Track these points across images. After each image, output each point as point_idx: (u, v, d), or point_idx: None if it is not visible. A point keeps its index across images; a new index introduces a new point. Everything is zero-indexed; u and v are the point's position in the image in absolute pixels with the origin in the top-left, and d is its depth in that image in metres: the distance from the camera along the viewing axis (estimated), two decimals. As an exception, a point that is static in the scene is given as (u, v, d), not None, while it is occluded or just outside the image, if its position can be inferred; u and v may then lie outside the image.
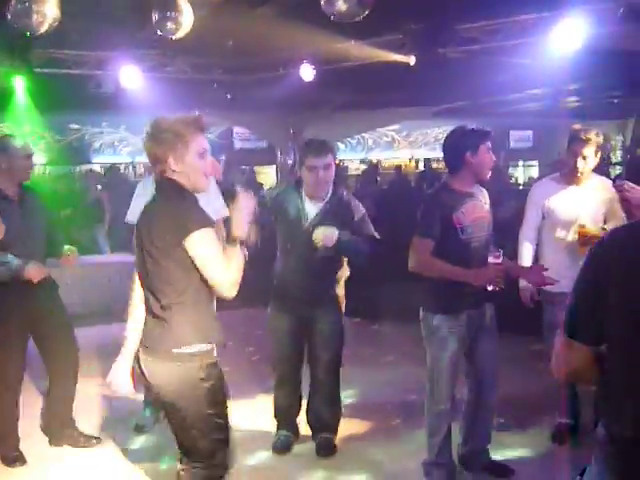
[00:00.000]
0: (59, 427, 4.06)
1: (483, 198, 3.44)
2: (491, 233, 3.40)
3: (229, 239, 2.49)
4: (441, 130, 13.64)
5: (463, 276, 3.20)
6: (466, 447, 3.60)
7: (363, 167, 12.93)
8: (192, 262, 2.39)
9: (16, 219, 3.67)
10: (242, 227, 2.48)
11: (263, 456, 3.97)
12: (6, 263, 3.56)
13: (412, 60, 6.64)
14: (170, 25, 5.49)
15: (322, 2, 5.18)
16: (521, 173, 14.90)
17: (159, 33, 5.64)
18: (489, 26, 6.56)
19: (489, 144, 3.30)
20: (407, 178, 11.32)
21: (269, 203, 3.82)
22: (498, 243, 3.49)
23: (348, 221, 3.68)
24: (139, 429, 4.29)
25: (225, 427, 2.54)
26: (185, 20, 5.47)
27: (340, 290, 3.94)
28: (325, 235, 3.54)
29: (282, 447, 3.98)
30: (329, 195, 3.73)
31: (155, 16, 5.49)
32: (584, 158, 3.68)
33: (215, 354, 2.51)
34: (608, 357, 1.63)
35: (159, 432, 4.13)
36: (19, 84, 7.25)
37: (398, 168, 11.45)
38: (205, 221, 2.42)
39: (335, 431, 4.03)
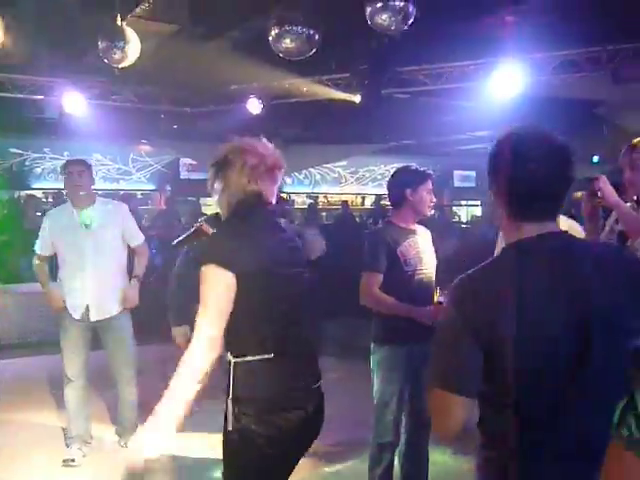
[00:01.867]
0: None
1: (425, 236, 3.53)
2: (433, 270, 3.46)
3: None
4: (388, 167, 13.87)
5: (408, 312, 3.26)
6: None
7: (309, 201, 13.00)
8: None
9: None
10: None
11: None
12: None
13: (357, 98, 6.79)
14: (117, 54, 5.46)
15: (270, 39, 5.26)
16: (464, 212, 15.24)
17: (105, 61, 5.59)
18: (432, 69, 6.78)
19: (429, 185, 3.41)
20: (352, 214, 11.43)
21: None
22: (440, 281, 3.54)
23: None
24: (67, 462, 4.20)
25: None
26: (132, 50, 5.45)
27: None
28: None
29: None
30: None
31: (101, 44, 5.46)
32: None
33: None
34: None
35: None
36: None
37: (344, 203, 11.56)
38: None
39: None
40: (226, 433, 2.10)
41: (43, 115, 8.26)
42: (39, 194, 12.30)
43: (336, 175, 14.53)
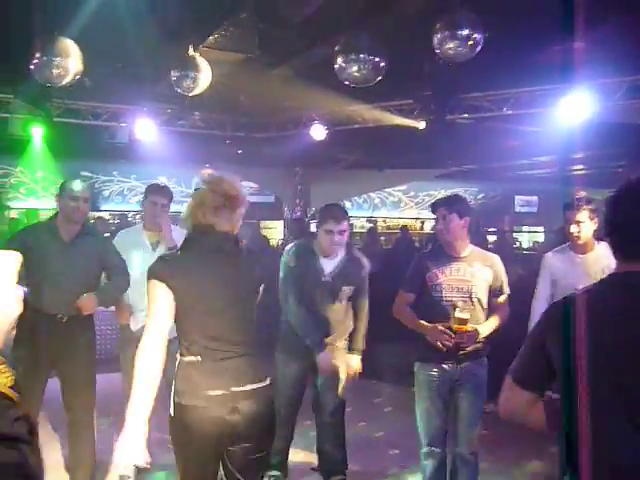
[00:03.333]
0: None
1: (476, 264, 3.58)
2: (469, 298, 3.55)
3: None
4: (448, 192, 13.79)
5: (418, 327, 3.57)
6: None
7: (368, 225, 13.02)
8: None
9: (59, 256, 3.80)
10: None
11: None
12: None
13: (422, 125, 6.80)
14: (188, 83, 5.64)
15: (336, 67, 5.33)
16: (525, 238, 14.98)
17: (177, 90, 5.79)
18: (497, 95, 6.73)
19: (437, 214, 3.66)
20: (412, 238, 11.38)
21: (284, 258, 4.09)
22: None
23: (359, 276, 4.07)
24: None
25: None
26: (203, 79, 5.63)
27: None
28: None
29: None
30: (342, 254, 4.04)
31: (174, 73, 5.65)
32: (577, 224, 3.80)
33: None
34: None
35: None
36: (37, 132, 7.40)
37: (404, 228, 11.52)
38: None
39: (344, 471, 4.23)
40: (169, 418, 2.50)
41: (114, 140, 8.54)
42: (106, 215, 12.74)
43: (395, 199, 14.53)
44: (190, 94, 5.73)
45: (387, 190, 14.09)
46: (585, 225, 3.79)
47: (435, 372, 3.59)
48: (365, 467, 4.55)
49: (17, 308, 0.97)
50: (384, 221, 14.49)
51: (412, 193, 14.48)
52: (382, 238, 13.24)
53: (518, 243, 13.70)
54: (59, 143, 8.23)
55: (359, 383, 4.33)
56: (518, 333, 4.61)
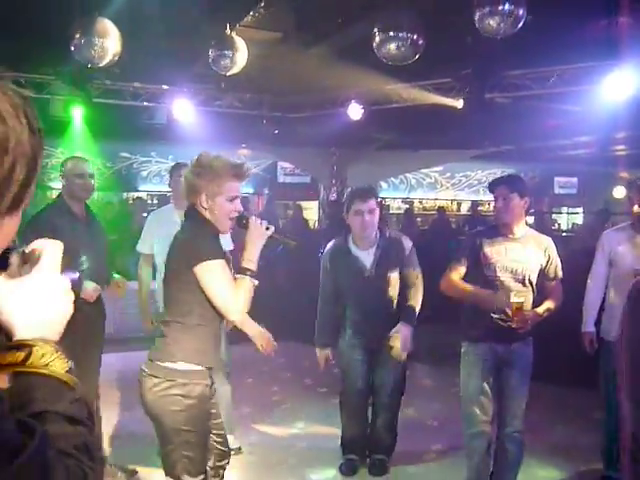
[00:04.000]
0: None
1: (530, 246, 3.50)
2: (522, 280, 3.51)
3: (240, 269, 2.61)
4: (484, 173, 13.62)
5: (475, 295, 3.51)
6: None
7: (405, 206, 12.94)
8: (200, 288, 2.56)
9: (83, 236, 3.79)
10: (253, 259, 2.61)
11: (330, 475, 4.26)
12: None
13: (460, 104, 6.70)
14: (226, 62, 5.65)
15: (374, 45, 5.27)
16: (565, 220, 14.71)
17: (214, 69, 5.80)
18: (538, 73, 6.58)
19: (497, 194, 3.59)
20: (448, 220, 11.28)
21: (323, 259, 4.19)
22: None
23: (402, 257, 4.01)
24: None
25: (197, 445, 2.65)
26: (240, 58, 5.63)
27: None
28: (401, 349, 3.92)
29: (348, 470, 4.28)
30: (378, 239, 4.00)
31: (211, 53, 5.67)
32: None
33: (206, 377, 2.68)
34: None
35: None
36: (77, 113, 7.50)
37: (440, 209, 11.42)
38: (218, 253, 2.60)
39: (390, 453, 4.28)
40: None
41: (152, 121, 8.59)
42: (145, 196, 12.88)
43: (432, 180, 14.39)
44: (227, 73, 5.75)
45: (423, 171, 13.95)
46: None
47: (485, 352, 3.56)
48: (407, 448, 4.56)
49: (70, 300, 1.01)
50: (420, 202, 14.38)
51: (448, 174, 14.32)
52: (418, 219, 13.15)
53: (557, 225, 13.47)
54: (98, 124, 8.32)
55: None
56: (561, 313, 4.60)
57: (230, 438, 4.54)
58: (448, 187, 14.55)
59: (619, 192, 12.59)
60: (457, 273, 3.60)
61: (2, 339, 0.95)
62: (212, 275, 2.55)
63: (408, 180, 14.22)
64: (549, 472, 4.33)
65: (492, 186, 3.68)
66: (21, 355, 0.92)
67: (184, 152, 11.86)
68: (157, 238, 4.32)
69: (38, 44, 6.07)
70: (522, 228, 3.59)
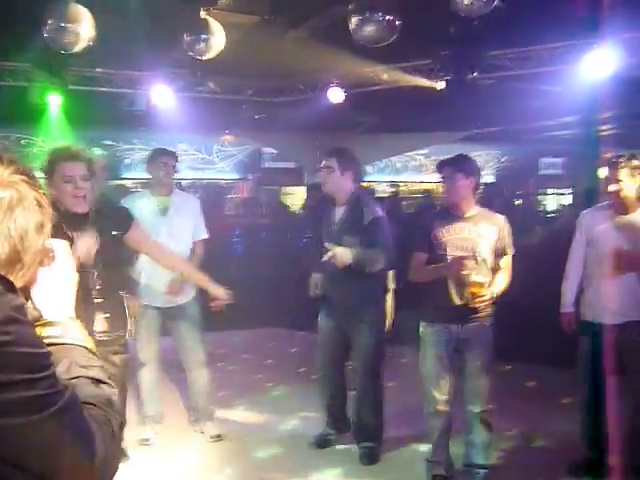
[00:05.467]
0: None
1: (481, 224, 3.60)
2: (473, 257, 3.56)
3: None
4: (471, 155, 13.58)
5: (438, 271, 3.59)
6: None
7: (391, 190, 12.90)
8: None
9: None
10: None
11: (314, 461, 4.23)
12: None
13: (441, 85, 6.65)
14: (201, 47, 5.57)
15: (350, 27, 5.21)
16: (551, 201, 14.71)
17: (190, 54, 5.71)
18: (519, 53, 6.54)
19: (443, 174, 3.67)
20: (434, 203, 11.24)
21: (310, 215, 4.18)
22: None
23: (359, 228, 3.96)
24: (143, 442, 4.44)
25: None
26: (216, 42, 5.55)
27: (387, 302, 4.28)
28: (339, 256, 3.81)
29: (319, 442, 4.35)
30: (351, 200, 4.06)
31: (186, 37, 5.58)
32: (617, 182, 3.65)
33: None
34: None
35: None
36: (54, 100, 7.39)
37: (426, 192, 11.39)
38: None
39: (378, 440, 4.22)
40: None
41: (133, 107, 8.49)
42: (129, 183, 12.77)
43: (417, 163, 14.34)
44: (203, 58, 5.66)
45: (409, 154, 13.90)
46: (626, 184, 3.63)
47: (440, 331, 3.63)
48: (400, 432, 4.52)
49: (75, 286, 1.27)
50: (406, 186, 14.34)
51: (434, 157, 14.28)
52: (404, 203, 13.11)
53: (543, 206, 13.48)
54: (79, 111, 8.22)
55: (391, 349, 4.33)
56: (536, 294, 4.59)
57: (208, 425, 4.55)
58: (434, 170, 14.47)
59: (604, 172, 12.58)
60: (419, 259, 3.69)
61: (36, 313, 1.17)
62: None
63: (393, 164, 14.17)
64: (525, 451, 4.32)
65: (439, 167, 3.74)
66: (55, 330, 1.16)
67: (167, 139, 11.83)
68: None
69: (12, 31, 5.96)
70: (472, 207, 3.65)
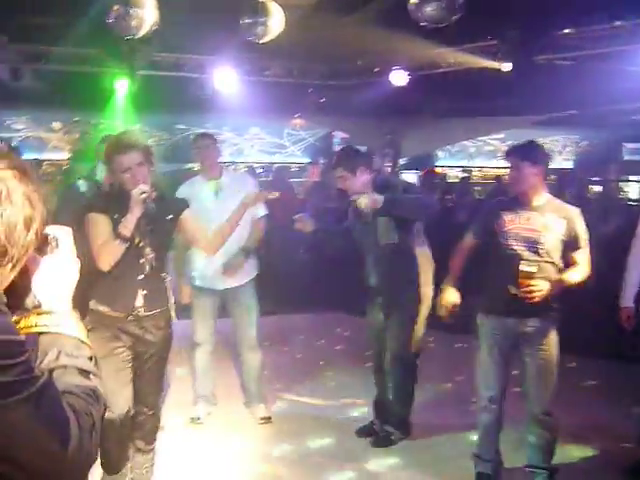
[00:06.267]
0: None
1: (549, 215, 3.39)
2: (536, 250, 3.38)
3: (115, 234, 3.01)
4: (548, 140, 13.05)
5: (448, 277, 3.65)
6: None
7: (461, 175, 12.58)
8: None
9: None
10: (126, 224, 3.00)
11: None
12: None
13: (507, 67, 6.38)
14: (259, 30, 5.56)
15: (410, 8, 5.09)
16: (635, 188, 13.94)
17: (248, 38, 5.72)
18: (592, 31, 6.18)
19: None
20: (506, 189, 10.89)
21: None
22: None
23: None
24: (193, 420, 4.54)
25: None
26: (274, 25, 5.53)
27: (425, 288, 4.23)
28: (366, 200, 3.80)
29: (360, 433, 4.35)
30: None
31: (244, 20, 5.59)
32: None
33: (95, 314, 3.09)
34: None
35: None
36: (123, 85, 7.60)
37: (498, 178, 11.03)
38: (98, 209, 3.12)
39: (400, 427, 4.21)
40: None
41: (204, 92, 8.64)
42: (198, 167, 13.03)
43: (492, 148, 13.91)
44: (261, 41, 5.65)
45: (483, 139, 13.52)
46: None
47: (495, 326, 3.49)
48: (429, 421, 4.48)
49: (77, 273, 1.28)
50: (480, 171, 13.95)
51: (509, 142, 13.81)
52: (477, 188, 12.77)
53: (625, 194, 12.77)
54: (150, 96, 8.43)
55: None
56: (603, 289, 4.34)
57: (260, 407, 4.60)
58: (508, 155, 14.03)
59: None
60: (466, 243, 3.64)
61: (35, 302, 1.20)
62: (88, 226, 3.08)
63: (466, 148, 13.82)
64: (584, 451, 4.14)
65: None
66: (49, 319, 1.17)
67: (238, 123, 12.02)
68: (193, 209, 4.35)
69: (83, 17, 6.16)
70: (542, 197, 3.47)
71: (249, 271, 4.45)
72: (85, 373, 1.15)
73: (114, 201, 3.16)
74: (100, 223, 3.10)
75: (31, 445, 1.00)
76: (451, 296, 3.60)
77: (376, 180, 4.08)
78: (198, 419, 4.52)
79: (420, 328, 4.37)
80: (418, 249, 4.23)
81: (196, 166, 12.19)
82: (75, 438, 1.04)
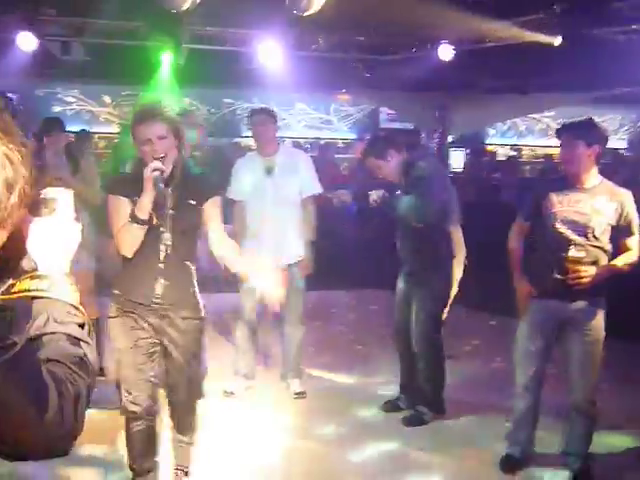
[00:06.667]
0: None
1: (600, 198, 3.26)
2: (584, 233, 3.27)
3: (130, 216, 2.80)
4: (602, 119, 12.58)
5: (514, 276, 3.48)
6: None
7: (510, 154, 12.30)
8: None
9: None
10: (141, 206, 2.78)
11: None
12: None
13: (557, 41, 6.16)
14: (303, 3, 5.51)
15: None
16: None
17: (293, 11, 5.67)
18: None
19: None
20: (557, 168, 10.59)
21: None
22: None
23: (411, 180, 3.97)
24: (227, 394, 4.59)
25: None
26: (317, -3, 5.46)
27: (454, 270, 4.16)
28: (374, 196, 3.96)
29: (386, 407, 4.39)
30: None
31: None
32: None
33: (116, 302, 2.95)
34: None
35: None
36: (168, 59, 7.65)
37: (548, 157, 10.74)
38: (117, 190, 2.94)
39: (431, 406, 4.17)
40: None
41: (252, 66, 8.63)
42: (251, 142, 13.08)
43: (543, 126, 13.53)
44: (304, 14, 5.60)
45: (534, 116, 13.14)
46: None
47: (539, 310, 3.40)
48: (464, 400, 4.44)
49: (78, 238, 1.24)
50: (531, 149, 13.59)
51: (561, 120, 13.39)
52: (527, 167, 12.48)
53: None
54: (199, 70, 8.47)
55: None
56: None
57: (296, 382, 4.63)
58: (561, 133, 13.62)
59: None
60: (519, 228, 3.53)
61: (25, 264, 1.16)
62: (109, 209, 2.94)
63: (517, 126, 13.47)
64: (622, 441, 4.03)
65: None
66: (42, 283, 1.13)
67: (284, 98, 11.97)
68: (246, 185, 4.37)
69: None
70: (593, 178, 3.33)
71: (298, 250, 4.45)
72: (74, 340, 1.11)
73: (134, 180, 2.88)
74: (119, 205, 2.88)
75: (4, 412, 0.98)
76: (525, 289, 3.44)
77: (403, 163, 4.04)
78: (232, 393, 4.58)
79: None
80: (452, 228, 4.15)
81: (244, 140, 12.37)
82: (54, 406, 1.01)
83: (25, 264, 1.16)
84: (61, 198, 1.22)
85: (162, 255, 2.86)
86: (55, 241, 1.19)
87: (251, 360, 4.67)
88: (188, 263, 2.97)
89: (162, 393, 3.11)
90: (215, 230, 3.00)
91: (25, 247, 1.16)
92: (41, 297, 1.12)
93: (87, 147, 7.29)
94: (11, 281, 1.13)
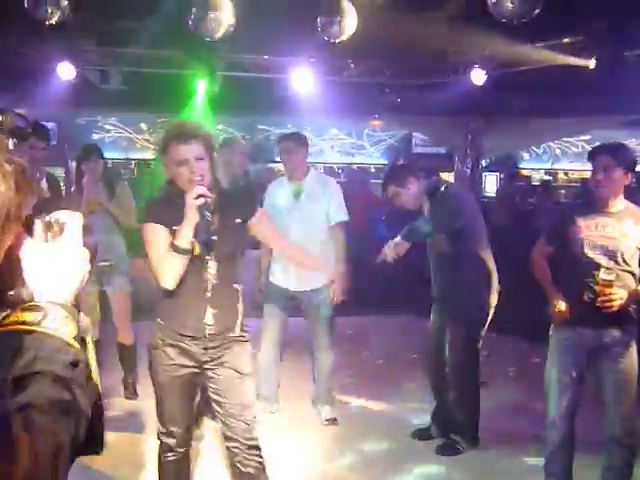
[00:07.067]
0: None
1: (627, 221, 3.22)
2: (614, 258, 3.20)
3: (171, 246, 2.63)
4: (638, 141, 12.40)
5: (546, 290, 3.39)
6: None
7: (544, 178, 12.16)
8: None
9: None
10: (183, 237, 2.61)
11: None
12: None
13: (592, 64, 6.10)
14: (335, 29, 5.57)
15: (489, 4, 4.96)
16: None
17: (324, 37, 5.74)
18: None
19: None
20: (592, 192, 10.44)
21: None
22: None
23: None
24: None
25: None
26: (349, 24, 5.53)
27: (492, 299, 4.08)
28: (390, 249, 3.81)
29: (414, 436, 4.34)
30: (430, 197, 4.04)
31: (320, 20, 5.61)
32: None
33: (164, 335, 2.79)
34: None
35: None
36: (203, 86, 7.78)
37: (584, 181, 10.58)
38: (154, 217, 2.74)
39: (464, 434, 4.08)
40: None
41: (286, 93, 8.73)
42: (279, 168, 13.19)
43: (579, 150, 13.36)
44: (337, 40, 5.66)
45: (569, 140, 12.99)
46: None
47: (567, 337, 3.31)
48: (499, 430, 4.35)
49: (87, 268, 1.12)
50: (565, 174, 13.42)
51: (597, 143, 13.19)
52: (562, 191, 12.32)
53: None
54: (234, 97, 8.58)
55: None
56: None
57: (327, 408, 4.58)
58: (598, 157, 13.42)
59: None
60: (541, 251, 3.49)
61: (25, 293, 1.05)
62: (146, 235, 2.76)
63: (552, 150, 13.32)
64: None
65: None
66: (37, 316, 1.01)
67: (318, 124, 12.05)
68: (274, 208, 4.40)
69: (164, 19, 6.34)
70: (619, 202, 3.27)
71: (324, 275, 4.42)
72: (62, 381, 0.97)
73: (170, 206, 2.72)
74: (157, 234, 2.70)
75: None
76: (562, 306, 3.30)
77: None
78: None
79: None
80: (483, 253, 4.08)
81: (277, 166, 12.47)
82: (25, 459, 0.90)
83: (24, 293, 1.05)
84: (70, 222, 1.10)
85: (209, 285, 2.74)
86: (56, 268, 1.07)
87: (273, 387, 4.64)
88: (235, 285, 2.86)
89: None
90: (275, 237, 3.22)
91: (19, 274, 1.06)
92: (31, 331, 1.00)
93: (122, 173, 7.43)
94: (8, 311, 1.03)
